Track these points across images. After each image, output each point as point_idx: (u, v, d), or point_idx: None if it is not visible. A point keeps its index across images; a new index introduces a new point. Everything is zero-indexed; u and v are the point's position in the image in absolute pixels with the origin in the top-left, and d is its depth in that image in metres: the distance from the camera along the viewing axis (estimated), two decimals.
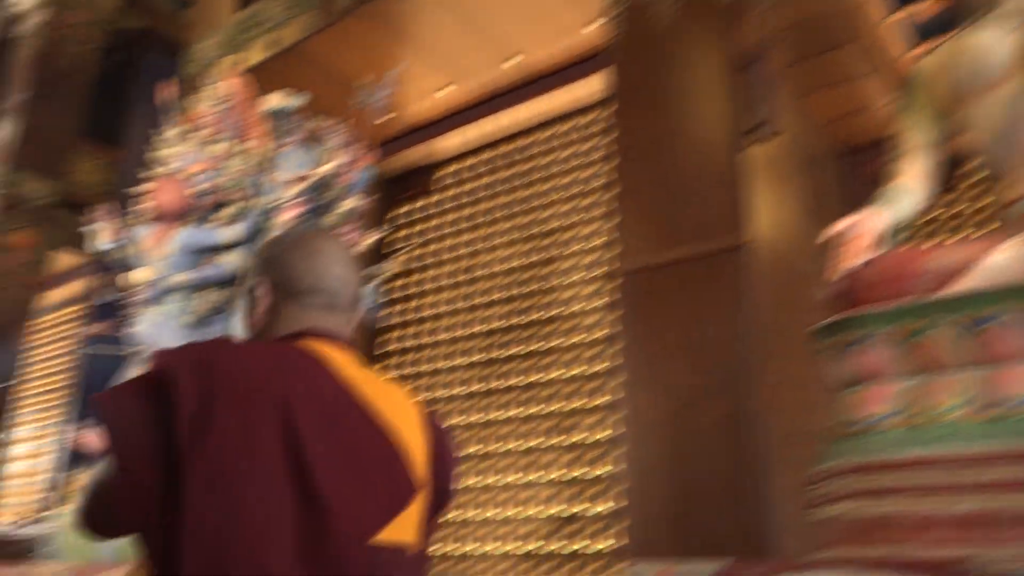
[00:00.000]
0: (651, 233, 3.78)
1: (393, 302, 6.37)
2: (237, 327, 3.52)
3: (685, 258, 3.54)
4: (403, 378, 6.13)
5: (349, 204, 3.43)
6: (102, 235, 3.68)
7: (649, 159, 3.91)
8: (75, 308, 9.00)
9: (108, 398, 1.01)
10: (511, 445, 5.35)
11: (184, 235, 3.53)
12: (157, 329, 3.40)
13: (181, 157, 3.70)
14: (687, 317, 3.54)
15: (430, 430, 1.20)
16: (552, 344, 5.37)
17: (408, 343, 6.20)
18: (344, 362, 1.14)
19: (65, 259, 8.78)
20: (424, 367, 6.02)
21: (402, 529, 1.09)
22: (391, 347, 6.31)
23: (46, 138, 8.55)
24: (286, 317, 1.20)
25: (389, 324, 6.38)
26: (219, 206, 3.72)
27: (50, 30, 8.80)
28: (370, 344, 6.37)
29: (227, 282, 3.60)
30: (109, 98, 9.82)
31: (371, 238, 3.43)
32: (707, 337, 3.44)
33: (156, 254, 3.53)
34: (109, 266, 3.85)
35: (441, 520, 1.28)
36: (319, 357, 1.11)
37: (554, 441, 5.15)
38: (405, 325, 6.27)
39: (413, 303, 6.26)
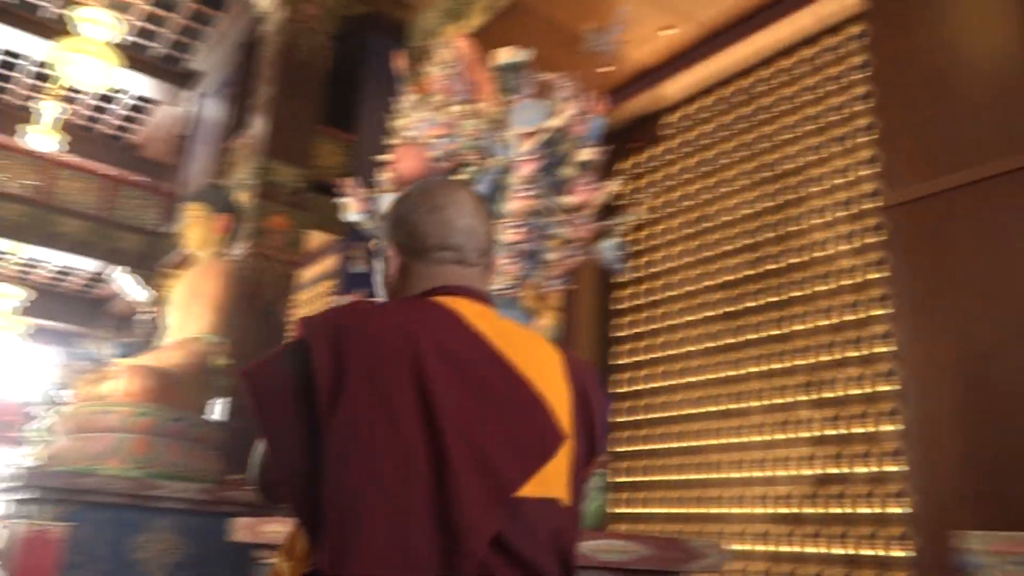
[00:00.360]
0: (925, 158, 3.30)
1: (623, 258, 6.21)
2: None
3: (976, 180, 3.05)
4: (638, 336, 5.98)
5: (583, 156, 3.30)
6: (350, 207, 3.84)
7: (917, 74, 3.41)
8: (328, 283, 9.72)
9: (251, 371, 1.01)
10: (762, 401, 5.03)
11: None
12: None
13: (417, 124, 3.75)
14: (978, 251, 3.06)
15: (576, 379, 1.13)
16: (803, 291, 4.96)
17: (641, 300, 6.03)
18: (478, 315, 1.09)
19: (316, 238, 9.48)
20: (660, 324, 5.83)
21: (549, 482, 1.03)
22: (623, 304, 6.17)
23: (292, 128, 9.26)
24: (416, 276, 1.16)
25: (620, 280, 6.24)
26: (457, 169, 3.75)
27: (289, 25, 9.47)
28: (603, 303, 6.27)
29: None
30: (342, 84, 10.46)
31: (607, 190, 3.28)
32: (1007, 272, 2.95)
33: None
34: (360, 236, 4.02)
35: (591, 473, 1.19)
36: (451, 311, 1.07)
37: (811, 396, 4.77)
38: (638, 281, 6.10)
39: (644, 258, 6.07)
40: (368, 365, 0.97)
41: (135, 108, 14.12)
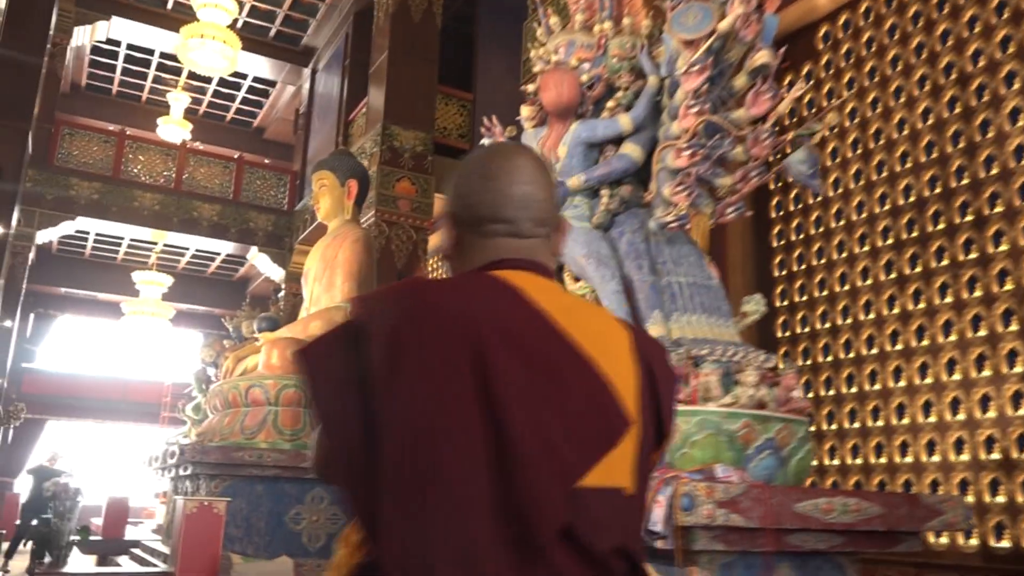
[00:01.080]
0: None
1: (785, 189, 5.67)
2: (647, 221, 3.17)
3: None
4: (810, 271, 5.45)
5: (757, 61, 2.86)
6: None
7: None
8: None
9: (306, 353, 0.95)
10: (955, 337, 4.45)
11: (577, 131, 3.24)
12: None
13: (561, 49, 3.40)
14: None
15: (642, 358, 1.04)
16: (1001, 207, 4.32)
17: (812, 231, 5.49)
18: (540, 290, 1.02)
19: (441, 201, 9.30)
20: (836, 255, 5.28)
21: (613, 470, 0.96)
22: (792, 237, 5.65)
23: (409, 91, 9.09)
24: (472, 249, 1.10)
25: (783, 213, 5.71)
26: (608, 93, 3.38)
27: None
28: (759, 239, 5.77)
29: (633, 173, 3.26)
30: (456, 42, 10.22)
31: (791, 96, 2.83)
32: None
33: (551, 157, 3.29)
34: None
35: (658, 460, 1.10)
36: (512, 287, 1.01)
37: (1019, 326, 4.17)
38: (806, 211, 5.56)
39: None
40: (425, 350, 0.91)
41: (254, 91, 14.41)
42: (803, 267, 5.51)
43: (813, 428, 5.05)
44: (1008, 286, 4.25)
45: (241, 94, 14.55)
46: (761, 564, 2.25)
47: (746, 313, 2.95)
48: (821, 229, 5.42)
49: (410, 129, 9.02)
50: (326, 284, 6.13)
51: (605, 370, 0.98)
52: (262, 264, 12.86)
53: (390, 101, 8.99)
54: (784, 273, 5.65)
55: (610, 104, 3.35)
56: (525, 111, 3.61)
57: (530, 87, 3.65)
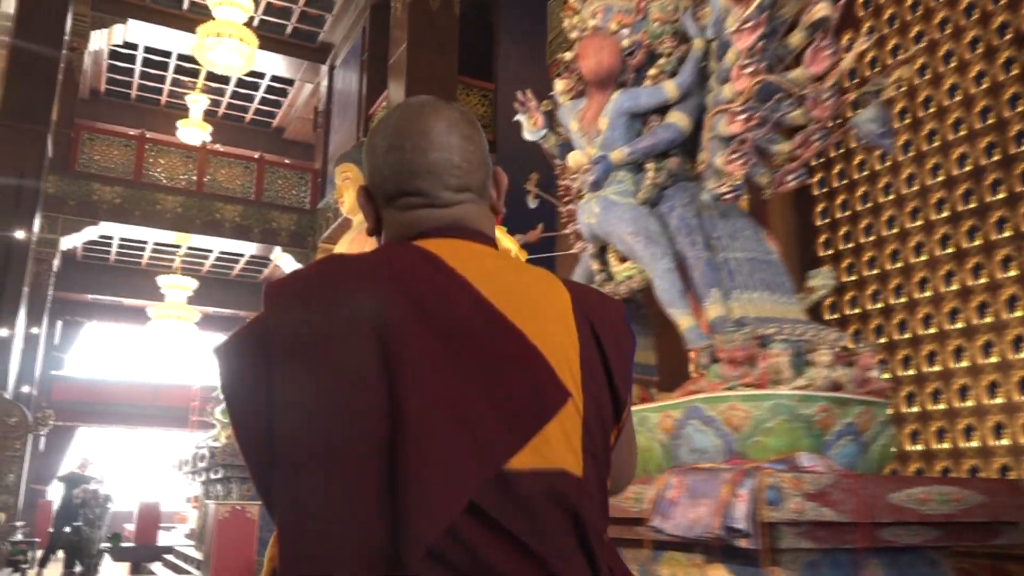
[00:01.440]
0: None
1: (828, 164, 5.41)
2: (698, 194, 2.95)
3: None
4: (858, 249, 5.20)
5: (818, 12, 2.63)
6: (527, 124, 3.34)
7: None
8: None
9: (219, 351, 0.89)
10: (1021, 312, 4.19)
11: (618, 100, 3.03)
12: (607, 215, 2.95)
13: (598, 14, 3.18)
14: None
15: (584, 321, 0.95)
16: None
17: (859, 207, 5.23)
18: (464, 257, 0.95)
19: None
20: (886, 231, 5.02)
21: (551, 450, 0.85)
22: (837, 215, 5.39)
23: (430, 82, 8.90)
24: (392, 226, 1.02)
25: (828, 189, 5.45)
26: (649, 60, 3.16)
27: None
28: (807, 218, 5.52)
29: (680, 144, 3.04)
30: (476, 32, 10.01)
31: (855, 51, 2.60)
32: None
33: (591, 130, 3.08)
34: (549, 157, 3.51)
35: (619, 437, 0.99)
36: (430, 255, 0.93)
37: None
38: (851, 187, 5.30)
39: (856, 159, 5.25)
40: (329, 330, 0.85)
41: (272, 90, 14.30)
42: (851, 245, 5.25)
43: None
44: None
45: (259, 94, 14.45)
46: (849, 562, 2.04)
47: (813, 288, 2.72)
48: (869, 204, 5.16)
49: None
50: None
51: (535, 338, 0.89)
52: (286, 264, 12.75)
53: (411, 93, 8.80)
54: (831, 252, 5.39)
55: (652, 72, 3.13)
56: (560, 85, 3.40)
57: (565, 56, 3.44)
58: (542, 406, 0.86)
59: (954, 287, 4.56)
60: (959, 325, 4.51)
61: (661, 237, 2.86)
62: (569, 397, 0.88)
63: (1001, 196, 4.38)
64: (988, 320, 4.36)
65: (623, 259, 3.12)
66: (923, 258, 4.77)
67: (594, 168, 2.97)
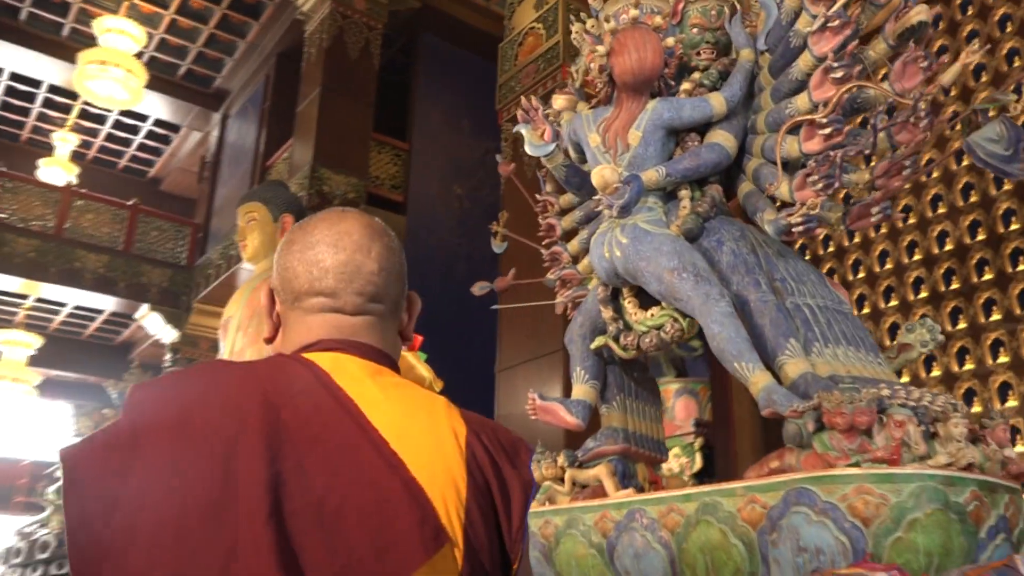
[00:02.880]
0: None
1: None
2: (747, 230, 2.42)
3: None
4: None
5: (915, 16, 2.21)
6: (530, 136, 2.74)
7: None
8: None
9: (67, 458, 0.80)
10: None
11: (657, 110, 2.49)
12: (639, 247, 2.37)
13: (622, 15, 2.66)
14: None
15: (477, 460, 0.88)
16: None
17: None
18: (354, 375, 0.89)
19: None
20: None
21: None
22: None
23: (343, 133, 8.25)
24: (294, 329, 0.97)
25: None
26: (677, 73, 2.66)
27: (336, 20, 8.50)
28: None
29: (723, 168, 2.53)
30: (393, 89, 9.48)
31: (963, 61, 2.19)
32: None
33: (617, 144, 2.52)
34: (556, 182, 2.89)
35: None
36: (318, 374, 0.88)
37: None
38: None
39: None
40: (183, 448, 0.78)
41: (154, 136, 13.16)
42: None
43: None
44: None
45: (138, 139, 13.25)
46: None
47: (907, 346, 2.19)
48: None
49: (342, 174, 8.13)
50: (253, 335, 5.07)
51: (419, 473, 0.83)
52: (153, 325, 11.40)
53: (321, 143, 8.10)
54: None
55: (686, 87, 2.62)
56: (559, 101, 2.85)
57: (572, 68, 2.90)
58: (412, 549, 0.79)
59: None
60: None
61: (712, 275, 2.29)
62: (447, 542, 0.81)
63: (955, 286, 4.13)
64: None
65: (644, 304, 2.54)
66: None
67: (625, 189, 2.39)
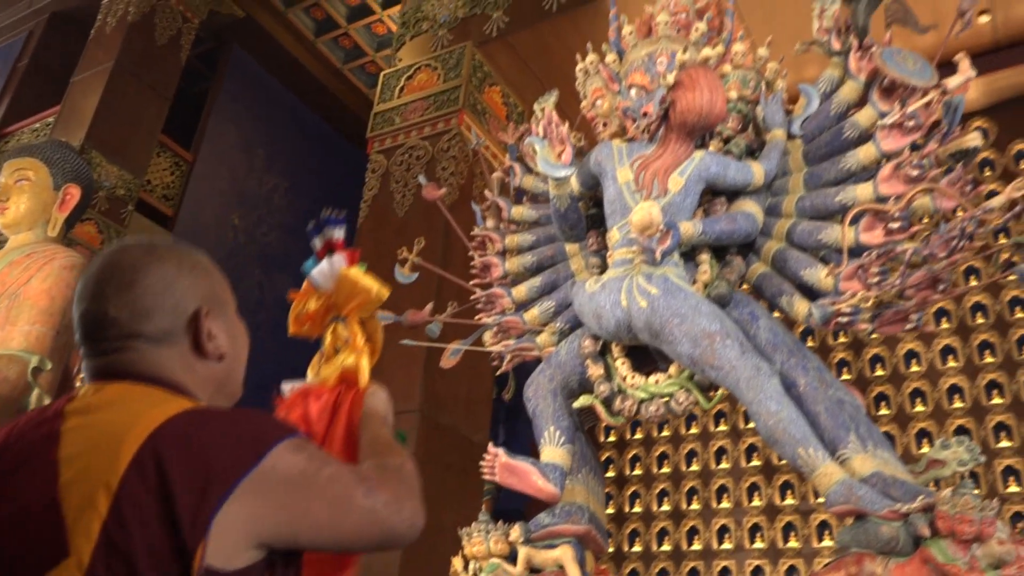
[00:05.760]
0: None
1: None
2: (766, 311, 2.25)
3: None
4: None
5: (970, 141, 2.24)
6: (546, 154, 2.36)
7: None
8: None
9: None
10: None
11: (705, 162, 2.28)
12: (670, 301, 2.08)
13: (659, 59, 2.46)
14: None
15: (154, 462, 0.83)
16: None
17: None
18: (84, 394, 0.94)
19: None
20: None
21: None
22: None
23: (128, 119, 7.09)
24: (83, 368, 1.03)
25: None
26: (707, 137, 2.50)
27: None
28: None
29: (748, 243, 2.36)
30: (186, 98, 8.42)
31: (1008, 191, 2.24)
32: None
33: (652, 186, 2.26)
34: (557, 209, 2.48)
35: None
36: (62, 400, 0.95)
37: None
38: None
39: None
40: None
41: None
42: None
43: None
44: None
45: None
46: None
47: (941, 461, 2.09)
48: None
49: (116, 164, 6.93)
50: (2, 318, 3.87)
51: (70, 485, 0.82)
52: None
53: (99, 124, 6.88)
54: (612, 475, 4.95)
55: (712, 148, 2.46)
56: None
57: (584, 105, 2.60)
58: (32, 564, 0.80)
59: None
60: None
61: (753, 348, 2.07)
62: (65, 557, 0.80)
63: None
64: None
65: (637, 366, 2.24)
66: None
67: (666, 236, 2.12)
